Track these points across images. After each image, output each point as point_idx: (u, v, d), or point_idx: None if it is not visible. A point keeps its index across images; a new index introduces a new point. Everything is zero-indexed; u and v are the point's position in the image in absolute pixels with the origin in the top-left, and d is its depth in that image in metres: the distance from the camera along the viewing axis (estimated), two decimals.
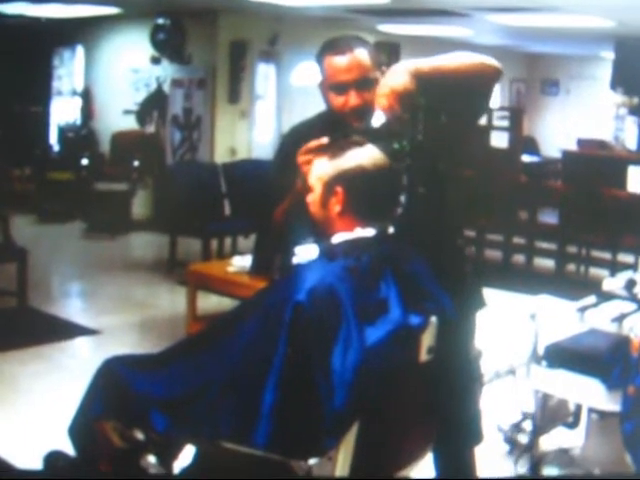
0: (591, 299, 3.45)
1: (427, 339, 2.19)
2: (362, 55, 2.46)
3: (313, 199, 2.29)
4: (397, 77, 2.30)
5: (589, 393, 3.24)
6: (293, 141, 2.59)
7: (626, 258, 7.75)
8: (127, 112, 10.27)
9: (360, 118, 2.43)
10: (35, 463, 2.82)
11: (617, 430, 3.16)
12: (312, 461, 2.05)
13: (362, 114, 2.42)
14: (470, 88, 2.45)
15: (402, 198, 2.41)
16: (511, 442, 3.76)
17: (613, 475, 3.33)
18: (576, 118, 12.89)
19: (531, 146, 12.97)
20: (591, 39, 10.31)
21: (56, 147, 11.16)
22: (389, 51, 11.33)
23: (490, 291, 2.94)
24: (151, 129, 10.05)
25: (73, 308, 6.61)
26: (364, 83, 2.45)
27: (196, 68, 9.43)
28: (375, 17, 9.26)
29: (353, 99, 2.45)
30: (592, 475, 3.38)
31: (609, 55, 11.06)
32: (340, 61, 2.47)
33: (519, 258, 8.44)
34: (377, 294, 2.13)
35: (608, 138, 12.30)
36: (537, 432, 3.46)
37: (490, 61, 2.45)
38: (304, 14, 9.17)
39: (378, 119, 2.32)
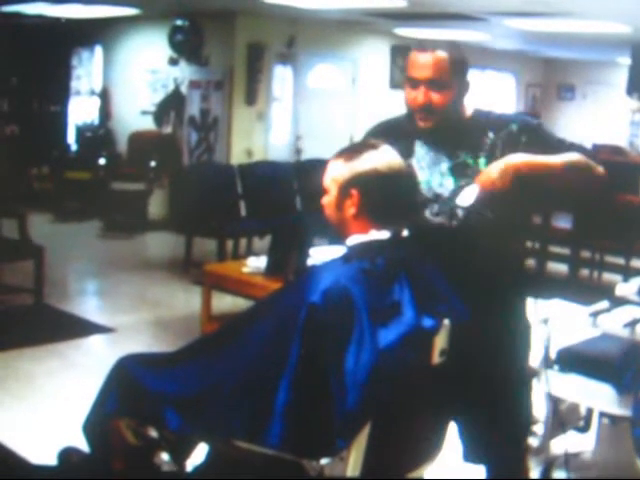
0: (604, 304, 3.44)
1: (440, 342, 2.20)
2: (440, 57, 2.50)
3: (328, 201, 2.31)
4: (505, 172, 2.40)
5: (601, 397, 3.23)
6: (373, 136, 2.67)
7: (639, 264, 7.73)
8: (145, 112, 10.31)
9: (425, 118, 2.52)
10: (49, 459, 2.85)
11: (628, 435, 3.16)
12: (324, 461, 2.06)
13: (427, 113, 2.51)
14: (569, 193, 2.65)
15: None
16: None
17: (624, 479, 3.32)
18: (592, 123, 12.84)
19: None
20: (607, 44, 10.27)
21: (74, 147, 11.20)
22: (405, 54, 11.30)
23: None
24: (168, 130, 10.08)
25: (89, 306, 6.64)
26: (434, 83, 2.49)
27: (213, 69, 9.46)
28: (392, 20, 9.25)
29: (420, 96, 2.51)
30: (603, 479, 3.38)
31: (625, 61, 11.02)
32: (418, 57, 2.53)
33: (532, 263, 8.42)
34: (391, 296, 2.14)
35: (623, 144, 12.25)
36: (548, 436, 3.46)
37: (597, 170, 2.55)
38: (321, 17, 9.18)
39: (471, 193, 2.43)
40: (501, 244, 2.58)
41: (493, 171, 2.40)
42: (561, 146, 2.58)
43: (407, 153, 2.58)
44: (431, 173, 2.59)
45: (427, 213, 2.57)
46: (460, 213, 2.52)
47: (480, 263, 2.53)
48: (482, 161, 2.54)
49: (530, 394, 2.84)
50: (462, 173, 2.54)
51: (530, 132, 2.58)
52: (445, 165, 2.57)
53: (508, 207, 2.49)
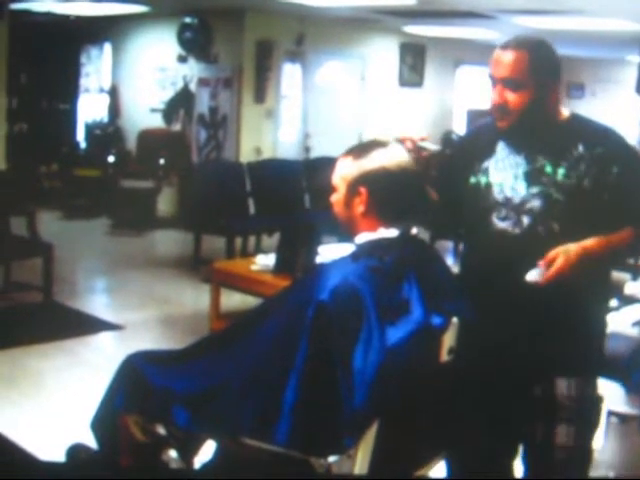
0: (613, 302, 3.44)
1: (448, 340, 2.20)
2: (518, 55, 2.37)
3: (337, 199, 2.31)
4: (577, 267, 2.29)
5: (609, 396, 3.23)
6: (468, 133, 2.63)
7: None
8: (154, 110, 10.32)
9: (501, 117, 2.41)
10: (58, 455, 2.86)
11: (636, 433, 3.15)
12: (332, 459, 2.06)
13: (502, 113, 2.40)
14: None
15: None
16: None
17: (632, 477, 3.32)
18: (601, 121, 12.79)
19: None
20: (617, 42, 10.24)
21: (83, 144, 11.24)
22: (414, 52, 11.31)
23: None
24: (177, 127, 10.09)
25: (97, 303, 6.65)
26: (509, 83, 2.37)
27: (222, 67, 9.46)
28: (401, 18, 9.25)
29: (496, 95, 2.40)
30: (611, 478, 3.37)
31: (635, 59, 10.99)
32: (498, 55, 2.42)
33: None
34: (399, 294, 2.14)
35: (633, 142, 12.19)
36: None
37: None
38: (330, 14, 9.17)
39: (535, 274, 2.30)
40: None
41: (571, 258, 2.26)
42: None
43: (488, 153, 2.51)
44: (506, 176, 2.46)
45: (494, 217, 2.46)
46: (526, 221, 2.40)
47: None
48: (561, 171, 2.38)
49: None
50: (537, 180, 2.41)
51: (624, 164, 2.40)
52: (521, 169, 2.44)
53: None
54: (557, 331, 2.40)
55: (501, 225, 2.44)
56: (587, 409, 2.49)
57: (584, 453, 2.53)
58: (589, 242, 2.31)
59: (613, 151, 2.41)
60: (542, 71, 2.39)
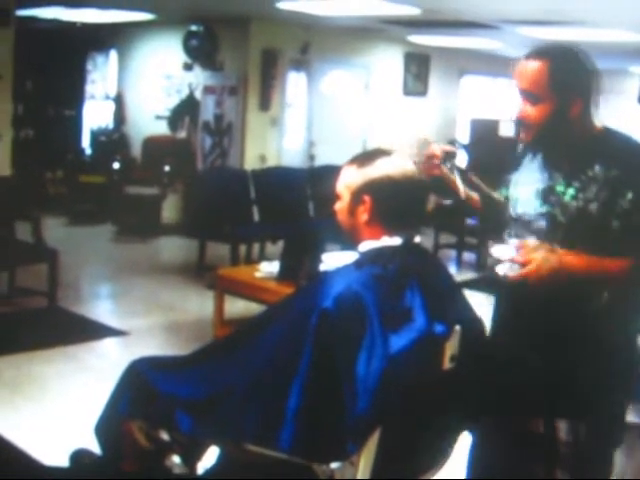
0: None
1: (450, 348, 2.21)
2: (539, 67, 2.24)
3: (341, 207, 2.31)
4: (555, 276, 2.17)
5: None
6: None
7: None
8: (159, 117, 10.35)
9: (523, 130, 2.30)
10: (62, 460, 2.86)
11: (638, 443, 3.15)
12: (334, 465, 2.06)
13: (523, 127, 2.30)
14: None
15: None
16: None
17: None
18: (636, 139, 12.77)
19: None
20: (619, 53, 10.25)
21: (88, 151, 11.26)
22: (419, 62, 11.33)
23: None
24: (182, 135, 10.11)
25: (102, 309, 6.66)
26: (528, 96, 2.26)
27: (228, 75, 9.49)
28: (406, 28, 9.27)
29: (518, 107, 2.30)
30: None
31: (637, 69, 11.00)
32: (520, 65, 2.29)
33: None
34: (402, 302, 2.14)
35: None
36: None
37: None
38: (335, 24, 9.20)
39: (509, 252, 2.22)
40: (578, 289, 2.27)
41: (544, 268, 2.15)
42: None
43: (516, 166, 2.44)
44: (523, 191, 2.38)
45: (506, 233, 2.40)
46: (532, 241, 2.25)
47: (536, 304, 2.32)
48: (571, 192, 2.26)
49: None
50: (547, 199, 2.30)
51: (637, 189, 2.21)
52: (539, 185, 2.34)
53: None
54: (563, 369, 2.32)
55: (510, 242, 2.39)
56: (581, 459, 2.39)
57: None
58: (574, 259, 2.19)
59: (630, 174, 2.23)
60: (563, 83, 2.24)
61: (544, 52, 2.27)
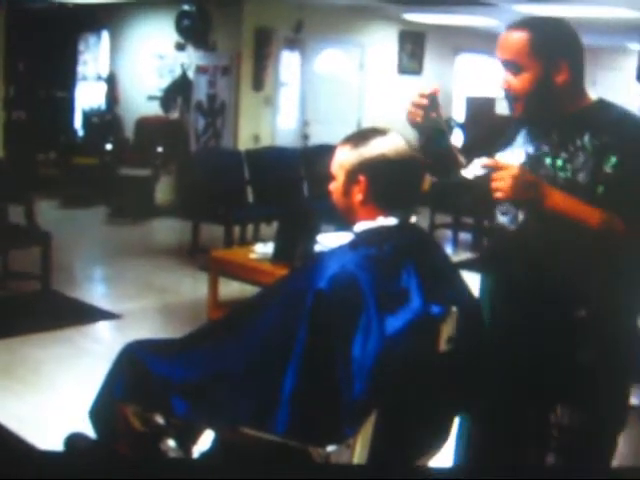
0: None
1: (447, 329, 2.19)
2: (519, 36, 2.21)
3: (336, 187, 2.29)
4: (529, 195, 2.12)
5: None
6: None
7: None
8: (151, 98, 10.29)
9: (512, 106, 2.27)
10: (56, 445, 2.85)
11: (637, 424, 3.15)
12: (330, 448, 2.05)
13: (511, 101, 2.27)
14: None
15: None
16: None
17: (632, 468, 3.32)
18: (629, 109, 12.79)
19: None
20: (618, 30, 10.22)
21: (81, 132, 11.22)
22: (414, 40, 11.28)
23: None
24: (175, 115, 10.07)
25: (96, 292, 6.65)
26: (509, 66, 2.24)
27: (221, 55, 9.44)
28: (401, 6, 9.22)
29: (502, 80, 2.27)
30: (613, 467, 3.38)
31: (636, 47, 10.98)
32: (501, 37, 2.27)
33: None
34: (398, 283, 2.13)
35: None
36: None
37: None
38: (329, 2, 9.16)
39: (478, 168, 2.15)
40: (565, 264, 2.23)
41: (520, 183, 2.09)
42: None
43: (509, 142, 2.40)
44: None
45: (498, 210, 2.37)
46: (521, 217, 2.27)
47: (526, 277, 2.30)
48: (559, 163, 2.23)
49: None
50: (535, 172, 2.22)
51: (626, 154, 2.17)
52: (527, 159, 2.31)
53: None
54: (553, 350, 2.30)
55: (502, 220, 2.39)
56: (580, 442, 2.36)
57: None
58: (553, 189, 2.15)
59: (618, 140, 2.17)
60: (545, 49, 2.21)
61: (525, 22, 2.25)
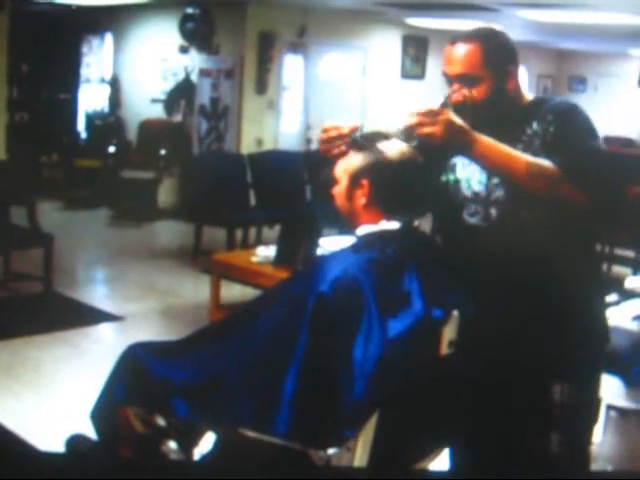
0: (613, 297, 3.44)
1: (448, 333, 2.20)
2: (471, 49, 2.28)
3: (339, 191, 2.30)
4: (451, 133, 2.15)
5: (609, 390, 3.23)
6: None
7: None
8: (155, 101, 10.30)
9: (464, 116, 2.22)
10: (58, 446, 2.86)
11: (636, 428, 3.16)
12: (331, 451, 2.05)
13: (466, 111, 2.26)
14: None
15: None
16: None
17: (631, 471, 3.32)
18: (603, 115, 12.82)
19: None
20: (619, 36, 10.22)
21: (84, 134, 11.22)
22: (417, 44, 11.29)
23: None
24: (178, 118, 10.08)
25: (98, 294, 6.66)
26: (465, 79, 2.29)
27: (224, 58, 9.45)
28: (403, 10, 9.23)
29: (455, 94, 2.30)
30: (609, 472, 3.38)
31: (637, 52, 10.98)
32: (448, 51, 2.34)
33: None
34: (400, 287, 2.14)
35: (634, 136, 12.21)
36: None
37: (574, 196, 2.17)
38: (332, 6, 9.16)
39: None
40: (539, 248, 2.28)
41: (450, 126, 2.13)
42: (581, 155, 2.22)
43: None
44: (472, 170, 2.37)
45: (464, 213, 2.38)
46: (494, 213, 2.31)
47: (507, 268, 2.30)
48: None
49: None
50: None
51: (558, 121, 2.28)
52: None
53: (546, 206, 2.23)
54: (541, 331, 2.32)
55: (471, 221, 2.39)
56: (579, 417, 2.40)
57: (578, 461, 2.46)
58: (492, 145, 2.18)
59: (555, 115, 2.29)
60: (498, 61, 2.31)
61: (471, 35, 2.32)
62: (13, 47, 7.81)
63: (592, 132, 2.31)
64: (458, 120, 2.16)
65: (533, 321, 2.32)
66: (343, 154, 2.30)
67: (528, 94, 2.43)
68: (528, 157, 2.20)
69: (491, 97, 2.30)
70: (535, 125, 2.30)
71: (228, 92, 9.40)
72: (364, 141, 2.28)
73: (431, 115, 2.13)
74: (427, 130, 2.12)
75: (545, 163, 2.19)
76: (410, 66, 11.33)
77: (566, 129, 2.27)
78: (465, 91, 2.29)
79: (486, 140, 2.18)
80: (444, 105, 2.23)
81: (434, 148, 2.19)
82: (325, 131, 2.34)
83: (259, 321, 2.19)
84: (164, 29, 10.11)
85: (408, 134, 2.18)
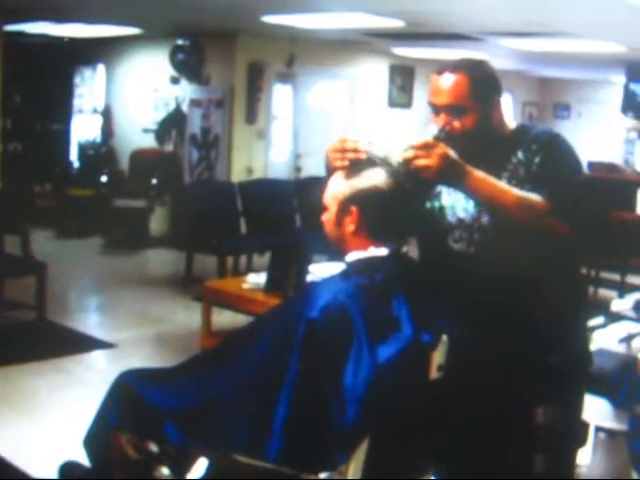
0: (600, 319, 3.48)
1: (437, 357, 2.22)
2: (459, 80, 2.33)
3: (328, 218, 2.33)
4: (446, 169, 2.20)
5: (597, 412, 3.26)
6: None
7: (635, 280, 7.77)
8: (146, 130, 10.36)
9: (454, 145, 2.25)
10: (51, 473, 2.87)
11: (623, 449, 3.18)
12: (323, 475, 2.06)
13: (455, 140, 2.29)
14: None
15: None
16: None
17: None
18: (587, 141, 12.92)
19: None
20: (602, 64, 10.33)
21: (76, 164, 11.24)
22: (403, 73, 11.38)
23: None
24: (169, 148, 10.13)
25: (90, 322, 6.66)
26: (452, 110, 2.34)
27: (214, 88, 9.51)
28: (390, 40, 9.31)
29: (442, 124, 2.35)
30: None
31: (620, 80, 11.10)
32: (435, 81, 2.38)
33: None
34: (389, 312, 2.16)
35: (618, 161, 12.30)
36: None
37: (560, 228, 2.25)
38: (320, 36, 9.23)
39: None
40: (524, 272, 2.33)
41: (446, 161, 2.17)
42: (566, 189, 2.27)
43: None
44: (457, 197, 2.41)
45: (449, 240, 2.43)
46: (478, 238, 2.36)
47: (493, 293, 2.35)
48: (503, 182, 2.30)
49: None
50: None
51: (543, 152, 2.34)
52: None
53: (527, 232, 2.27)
54: (526, 354, 2.35)
55: (456, 247, 2.43)
56: (563, 438, 2.42)
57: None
58: (482, 179, 2.22)
59: (540, 144, 2.34)
60: (484, 92, 2.36)
61: (458, 66, 2.37)
62: (7, 78, 7.86)
63: (576, 162, 2.38)
64: (453, 153, 2.20)
65: (517, 344, 2.35)
66: (343, 169, 2.33)
67: (511, 122, 2.48)
68: (517, 191, 2.25)
69: (478, 127, 2.35)
70: (520, 154, 2.35)
71: (218, 122, 9.46)
72: (378, 159, 2.32)
73: (427, 148, 2.18)
74: (423, 163, 2.17)
75: (533, 197, 2.24)
76: (397, 95, 11.42)
77: (551, 160, 2.33)
78: (456, 123, 2.33)
79: (477, 174, 2.23)
80: (438, 138, 2.28)
81: (428, 180, 2.23)
82: (342, 141, 2.38)
83: (250, 347, 2.20)
84: (155, 60, 10.19)
85: (406, 167, 2.22)
